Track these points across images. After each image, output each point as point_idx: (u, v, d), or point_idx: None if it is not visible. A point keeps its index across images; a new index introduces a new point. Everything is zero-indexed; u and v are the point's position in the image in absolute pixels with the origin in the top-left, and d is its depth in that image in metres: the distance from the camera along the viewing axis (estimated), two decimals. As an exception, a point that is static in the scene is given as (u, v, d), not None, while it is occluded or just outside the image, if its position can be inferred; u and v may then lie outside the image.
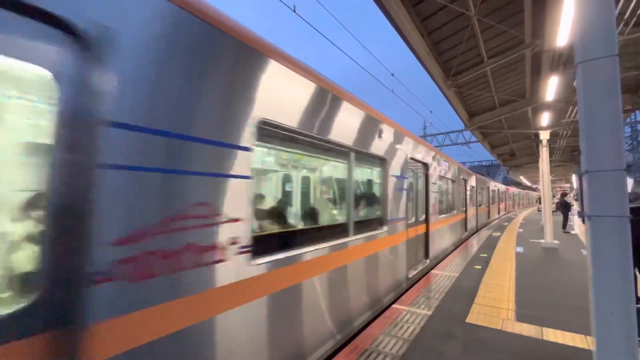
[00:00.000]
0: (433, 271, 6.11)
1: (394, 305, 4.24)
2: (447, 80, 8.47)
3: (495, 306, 4.25)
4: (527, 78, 9.29)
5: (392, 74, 11.03)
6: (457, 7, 5.90)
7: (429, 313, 3.98)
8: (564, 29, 4.64)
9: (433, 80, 8.39)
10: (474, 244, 9.63)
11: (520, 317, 3.86)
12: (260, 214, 2.81)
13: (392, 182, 4.58)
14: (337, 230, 3.40)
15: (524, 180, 43.83)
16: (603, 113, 1.95)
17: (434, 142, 33.96)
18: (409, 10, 6.00)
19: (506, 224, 16.54)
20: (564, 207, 13.27)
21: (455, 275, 5.84)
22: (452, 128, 33.97)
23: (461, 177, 10.63)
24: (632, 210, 3.81)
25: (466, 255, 7.72)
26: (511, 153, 20.54)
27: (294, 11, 6.28)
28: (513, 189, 28.29)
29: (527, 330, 3.51)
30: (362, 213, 4.11)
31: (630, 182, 3.96)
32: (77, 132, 1.35)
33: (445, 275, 5.84)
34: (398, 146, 4.85)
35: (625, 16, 5.36)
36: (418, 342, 3.21)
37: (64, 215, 1.30)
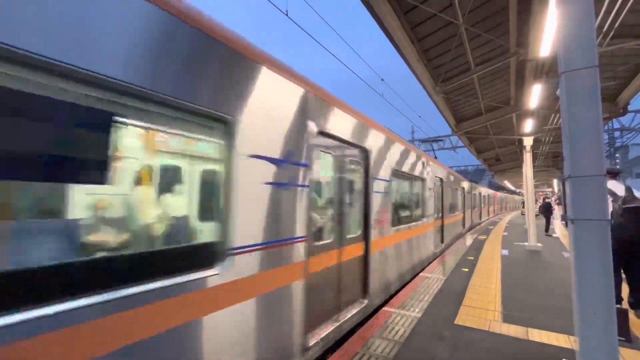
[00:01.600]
0: (422, 274, 6.20)
1: (384, 308, 4.28)
2: (436, 87, 8.65)
3: (483, 308, 4.34)
4: (512, 86, 9.60)
5: (382, 79, 11.20)
6: (446, 16, 6.07)
7: (419, 315, 4.03)
8: (547, 39, 4.84)
9: (422, 86, 8.57)
10: (460, 247, 9.81)
11: (507, 318, 3.96)
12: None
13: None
14: None
15: (508, 184, 45.01)
16: (585, 120, 2.05)
17: (423, 147, 34.56)
18: (400, 17, 6.12)
19: (491, 227, 16.92)
20: (546, 211, 13.69)
21: (444, 278, 5.94)
22: (440, 133, 34.67)
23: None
24: (629, 210, 3.89)
25: (454, 258, 7.86)
26: (496, 158, 21.11)
27: (287, 15, 6.32)
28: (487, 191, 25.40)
29: (514, 330, 3.60)
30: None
31: (621, 187, 4.10)
32: (367, 180, 4.31)
33: (433, 277, 5.92)
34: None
35: (604, 29, 5.62)
36: (409, 344, 3.25)
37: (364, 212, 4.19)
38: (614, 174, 4.24)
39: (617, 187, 4.08)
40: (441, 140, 21.54)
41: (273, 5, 5.45)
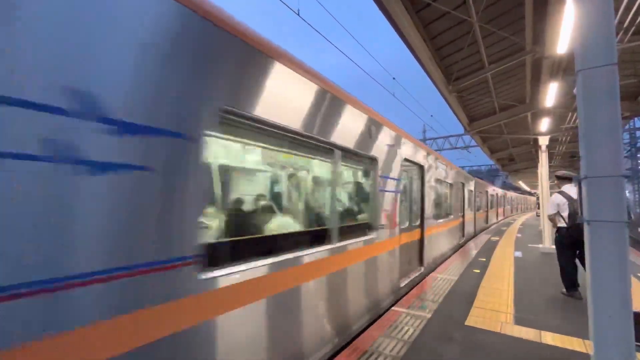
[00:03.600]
0: (432, 274, 6.14)
1: (393, 308, 4.27)
2: (449, 85, 8.54)
3: (494, 309, 4.28)
4: (527, 84, 9.37)
5: (394, 78, 11.11)
6: (460, 14, 5.98)
7: (429, 316, 4.01)
8: (564, 36, 4.71)
9: (434, 85, 8.46)
10: (472, 247, 9.66)
11: (519, 321, 3.90)
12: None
13: None
14: None
15: (522, 185, 44.00)
16: (602, 120, 1.99)
17: (434, 146, 34.13)
18: (412, 16, 6.06)
19: (504, 228, 16.59)
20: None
21: (454, 279, 5.87)
22: (452, 132, 34.16)
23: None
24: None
25: (465, 259, 7.76)
26: (510, 158, 20.67)
27: (298, 15, 6.34)
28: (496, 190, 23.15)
29: (526, 333, 3.54)
30: None
31: (574, 190, 4.13)
32: (422, 187, 6.18)
33: (444, 278, 5.87)
34: None
35: (625, 25, 5.44)
36: (418, 344, 3.24)
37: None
38: (569, 179, 5.17)
39: (571, 190, 4.90)
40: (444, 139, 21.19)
41: (284, 5, 5.48)
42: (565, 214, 4.86)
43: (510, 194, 33.99)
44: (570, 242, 4.83)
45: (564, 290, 5.00)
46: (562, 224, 4.94)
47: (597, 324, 1.95)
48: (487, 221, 17.76)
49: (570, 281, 4.93)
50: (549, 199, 5.92)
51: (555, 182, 5.50)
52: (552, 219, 5.15)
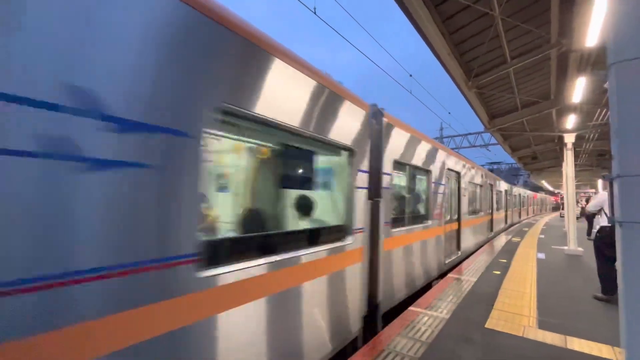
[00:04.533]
0: (450, 275, 6.02)
1: (410, 308, 4.21)
2: (468, 82, 8.31)
3: (516, 313, 4.15)
4: (552, 79, 8.99)
5: (411, 75, 10.93)
6: (481, 7, 5.80)
7: (447, 317, 3.94)
8: (593, 28, 4.49)
9: (453, 81, 8.26)
10: (494, 247, 9.40)
11: (543, 325, 3.76)
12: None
13: None
14: None
15: (545, 184, 42.37)
16: (637, 115, 1.89)
17: (452, 144, 33.32)
18: (431, 10, 5.93)
19: (526, 229, 16.04)
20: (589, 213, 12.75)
21: (473, 280, 5.73)
22: (470, 130, 33.22)
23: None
24: None
25: (485, 260, 7.56)
26: (533, 156, 19.90)
27: (315, 13, 6.34)
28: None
29: (550, 338, 3.42)
30: None
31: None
32: (459, 188, 7.85)
33: (462, 279, 5.74)
34: None
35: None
36: (436, 345, 3.18)
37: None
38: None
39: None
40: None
41: (301, 4, 5.48)
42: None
43: (533, 194, 33.36)
44: (611, 241, 4.67)
45: (599, 293, 4.78)
46: (605, 222, 4.96)
47: (629, 331, 1.85)
48: (511, 219, 18.50)
49: (611, 282, 4.69)
50: (573, 199, 5.96)
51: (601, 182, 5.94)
52: (589, 214, 5.31)
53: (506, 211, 16.31)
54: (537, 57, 7.48)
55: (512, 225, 18.46)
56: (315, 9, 6.43)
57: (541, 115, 11.20)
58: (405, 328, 3.56)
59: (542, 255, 8.42)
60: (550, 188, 47.44)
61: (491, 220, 12.15)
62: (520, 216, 23.32)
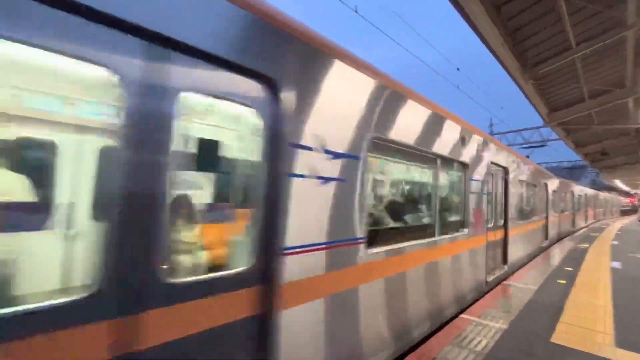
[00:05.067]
0: (507, 282, 5.57)
1: (462, 315, 3.97)
2: (524, 73, 7.64)
3: (588, 327, 3.70)
4: (629, 64, 7.91)
5: (458, 69, 10.37)
6: (540, -10, 5.31)
7: (504, 327, 3.64)
8: (685, 2, 3.85)
9: (508, 73, 7.66)
10: (556, 254, 8.51)
11: (622, 343, 3.31)
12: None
13: None
14: None
15: (619, 184, 37.47)
16: None
17: (503, 141, 30.86)
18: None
19: (595, 234, 14.29)
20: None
21: (534, 288, 5.23)
22: (523, 125, 30.47)
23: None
24: None
25: (547, 266, 6.87)
26: (602, 152, 17.67)
27: (356, 12, 6.30)
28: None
29: (631, 358, 2.99)
30: None
31: None
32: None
33: (521, 287, 5.27)
34: None
35: None
36: (493, 357, 2.96)
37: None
38: None
39: None
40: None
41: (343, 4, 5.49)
42: None
43: (604, 194, 28.94)
44: None
45: None
46: None
47: None
48: (573, 225, 15.21)
49: None
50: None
51: None
52: None
53: (560, 219, 12.50)
54: (610, 41, 6.63)
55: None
56: (356, 7, 6.40)
57: (614, 106, 9.92)
58: (456, 337, 3.36)
59: (617, 264, 7.43)
60: (625, 188, 41.76)
61: (546, 226, 10.19)
62: (583, 221, 18.57)
